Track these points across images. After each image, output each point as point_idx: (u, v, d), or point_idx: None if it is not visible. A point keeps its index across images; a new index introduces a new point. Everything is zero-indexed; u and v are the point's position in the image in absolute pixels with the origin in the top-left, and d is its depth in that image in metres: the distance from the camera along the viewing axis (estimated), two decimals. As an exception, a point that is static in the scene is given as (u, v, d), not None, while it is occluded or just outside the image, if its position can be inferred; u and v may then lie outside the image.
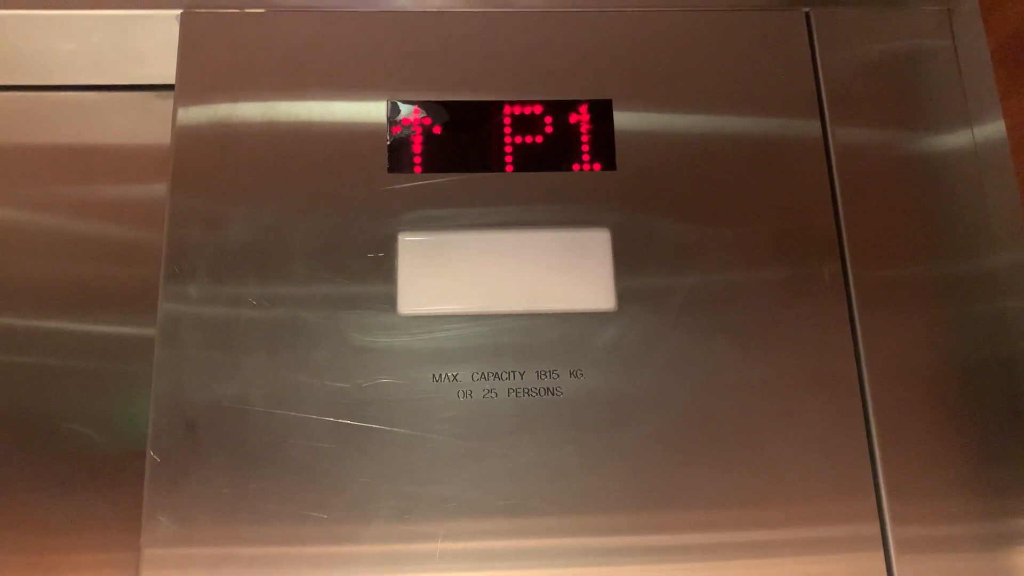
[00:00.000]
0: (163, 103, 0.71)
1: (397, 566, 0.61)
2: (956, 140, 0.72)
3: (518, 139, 0.70)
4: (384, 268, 0.67)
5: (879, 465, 0.64)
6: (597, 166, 0.69)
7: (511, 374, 0.65)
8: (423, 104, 0.70)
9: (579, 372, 0.65)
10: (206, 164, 0.68)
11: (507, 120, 0.70)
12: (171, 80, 0.70)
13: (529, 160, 0.69)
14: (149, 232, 0.70)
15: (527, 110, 0.70)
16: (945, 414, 0.66)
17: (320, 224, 0.67)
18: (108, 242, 0.71)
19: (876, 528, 0.63)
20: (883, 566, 0.62)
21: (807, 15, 0.74)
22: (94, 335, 0.69)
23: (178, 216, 0.67)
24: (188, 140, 0.68)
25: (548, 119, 0.70)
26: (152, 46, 0.72)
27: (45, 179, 0.72)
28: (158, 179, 0.70)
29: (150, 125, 0.73)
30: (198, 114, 0.69)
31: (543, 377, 0.65)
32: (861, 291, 0.68)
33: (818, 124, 0.71)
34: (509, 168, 0.69)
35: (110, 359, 0.69)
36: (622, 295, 0.67)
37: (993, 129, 0.71)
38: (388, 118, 0.70)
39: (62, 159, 0.73)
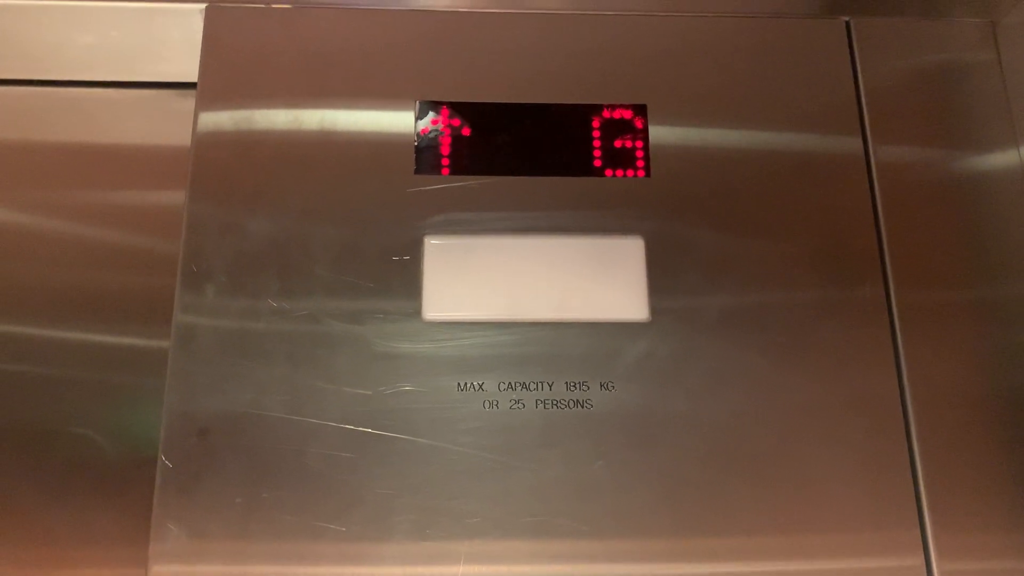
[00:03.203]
0: (184, 102, 0.70)
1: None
2: (1002, 159, 0.70)
3: (549, 142, 0.68)
4: (409, 272, 0.64)
5: (923, 495, 0.61)
6: (631, 172, 0.67)
7: (539, 385, 0.62)
8: (452, 105, 0.69)
9: (610, 384, 0.62)
10: (227, 166, 0.66)
11: (538, 123, 0.68)
12: (192, 78, 0.68)
13: (560, 164, 0.68)
14: (166, 237, 0.68)
15: (559, 113, 0.69)
16: (993, 442, 0.63)
17: (343, 226, 0.65)
18: (123, 248, 0.69)
19: (920, 560, 0.60)
20: (927, 601, 0.59)
21: (847, 24, 0.72)
22: (106, 345, 0.67)
23: (196, 217, 0.65)
24: (209, 140, 0.67)
25: (581, 123, 0.68)
26: (174, 41, 0.71)
27: (58, 180, 0.70)
28: (177, 182, 0.68)
29: (170, 125, 0.71)
30: (220, 113, 0.67)
31: (572, 389, 0.62)
32: (904, 313, 0.65)
33: (859, 138, 0.69)
34: (540, 172, 0.67)
35: (122, 370, 0.66)
36: (655, 306, 0.64)
37: (1040, 148, 0.69)
38: (416, 119, 0.68)
39: (77, 159, 0.71)
